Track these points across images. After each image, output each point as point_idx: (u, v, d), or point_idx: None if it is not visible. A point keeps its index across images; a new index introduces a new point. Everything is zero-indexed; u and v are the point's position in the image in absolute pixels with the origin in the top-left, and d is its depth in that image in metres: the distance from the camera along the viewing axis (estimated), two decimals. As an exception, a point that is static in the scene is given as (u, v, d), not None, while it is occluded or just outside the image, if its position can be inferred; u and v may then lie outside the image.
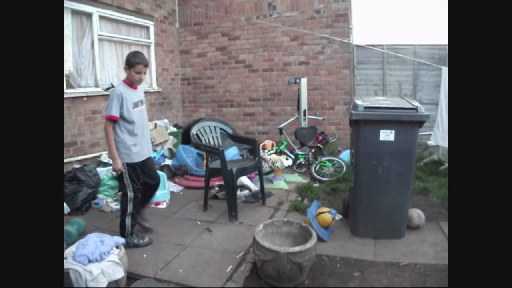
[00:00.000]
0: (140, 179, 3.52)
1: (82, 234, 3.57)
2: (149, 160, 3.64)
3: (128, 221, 3.44)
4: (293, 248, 2.72)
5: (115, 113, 3.26)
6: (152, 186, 3.72)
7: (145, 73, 3.43)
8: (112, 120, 3.26)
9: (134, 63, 3.29)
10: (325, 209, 3.66)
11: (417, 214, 3.68)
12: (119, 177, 3.43)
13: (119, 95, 3.26)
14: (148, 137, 3.69)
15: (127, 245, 3.27)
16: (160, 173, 4.91)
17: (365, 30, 6.61)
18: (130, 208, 3.41)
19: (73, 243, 3.31)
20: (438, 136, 5.30)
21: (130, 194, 3.40)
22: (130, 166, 3.38)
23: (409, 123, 3.28)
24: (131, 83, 3.40)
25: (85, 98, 5.20)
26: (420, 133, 3.49)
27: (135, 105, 3.39)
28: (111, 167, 5.02)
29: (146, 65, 3.39)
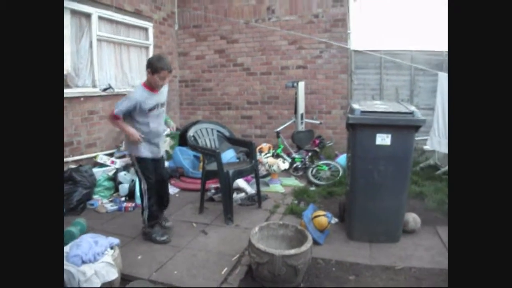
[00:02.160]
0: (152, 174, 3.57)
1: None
2: (160, 159, 3.72)
3: (145, 213, 3.54)
4: (288, 251, 2.72)
5: (119, 113, 3.31)
6: (163, 182, 3.75)
7: (168, 79, 3.41)
8: (117, 119, 3.36)
9: (159, 69, 3.25)
10: (321, 212, 3.66)
11: (412, 218, 3.69)
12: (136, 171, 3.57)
13: (134, 101, 3.30)
14: (162, 137, 3.74)
15: (144, 236, 3.56)
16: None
17: (362, 35, 6.63)
18: (145, 200, 3.51)
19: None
20: (434, 141, 5.31)
21: (144, 185, 3.49)
22: (141, 159, 3.46)
23: (405, 128, 3.29)
24: (152, 87, 3.38)
25: (82, 99, 5.19)
26: (417, 138, 3.50)
27: (152, 108, 3.41)
28: (107, 168, 5.04)
29: (171, 71, 3.37)
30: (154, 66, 3.26)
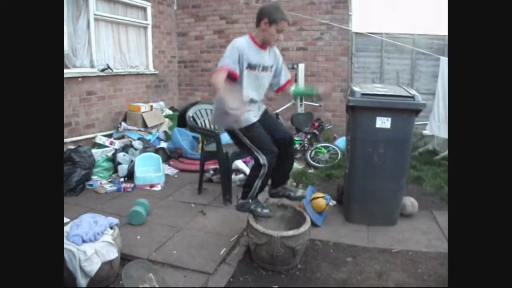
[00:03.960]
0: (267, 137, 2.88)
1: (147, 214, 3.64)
2: (270, 116, 3.15)
3: (258, 181, 2.88)
4: (286, 232, 2.74)
5: (230, 64, 2.70)
6: (283, 142, 2.96)
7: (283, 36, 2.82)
8: (222, 73, 2.64)
9: (278, 19, 2.71)
10: (320, 194, 3.68)
11: (410, 202, 3.71)
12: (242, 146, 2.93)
13: (237, 48, 2.74)
14: (260, 105, 3.13)
15: (240, 208, 3.00)
16: (155, 155, 4.93)
17: (364, 17, 6.56)
18: (265, 169, 2.81)
19: (142, 224, 3.44)
20: (433, 125, 5.31)
21: (264, 161, 2.78)
22: (249, 128, 2.82)
23: (405, 111, 3.28)
24: (263, 42, 2.82)
25: (80, 79, 5.15)
26: (416, 123, 3.49)
27: (252, 67, 2.82)
28: (105, 149, 5.03)
29: (290, 23, 2.82)
30: (273, 16, 2.70)
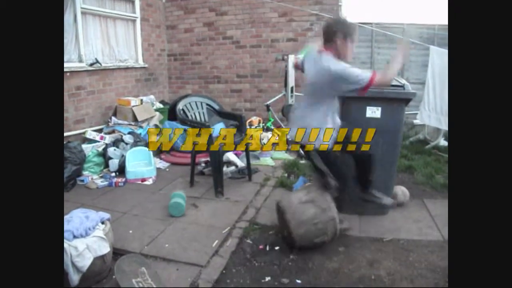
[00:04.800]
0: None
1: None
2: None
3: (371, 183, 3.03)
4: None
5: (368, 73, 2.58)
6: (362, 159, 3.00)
7: None
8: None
9: (353, 32, 2.66)
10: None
11: (401, 191, 3.74)
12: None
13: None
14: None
15: (364, 199, 3.14)
16: (146, 149, 4.90)
17: (354, 7, 6.57)
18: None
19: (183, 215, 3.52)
20: (424, 115, 5.33)
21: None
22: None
23: (395, 100, 3.29)
24: (339, 57, 2.69)
25: (68, 74, 5.09)
26: (407, 112, 3.50)
27: None
28: (96, 144, 4.99)
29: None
30: (348, 30, 2.63)
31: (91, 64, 5.47)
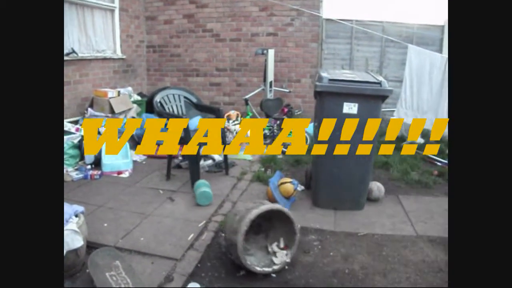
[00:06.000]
0: None
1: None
2: None
3: None
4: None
5: None
6: None
7: None
8: None
9: None
10: (287, 179, 3.71)
11: (377, 187, 3.80)
12: None
13: None
14: None
15: None
16: (122, 141, 4.83)
17: (335, 4, 6.59)
18: None
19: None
20: (401, 112, 5.42)
21: None
22: None
23: (372, 97, 3.33)
24: None
25: (43, 63, 4.96)
26: (384, 109, 3.55)
27: None
28: (71, 135, 4.88)
29: None
30: None
31: (67, 54, 5.35)
